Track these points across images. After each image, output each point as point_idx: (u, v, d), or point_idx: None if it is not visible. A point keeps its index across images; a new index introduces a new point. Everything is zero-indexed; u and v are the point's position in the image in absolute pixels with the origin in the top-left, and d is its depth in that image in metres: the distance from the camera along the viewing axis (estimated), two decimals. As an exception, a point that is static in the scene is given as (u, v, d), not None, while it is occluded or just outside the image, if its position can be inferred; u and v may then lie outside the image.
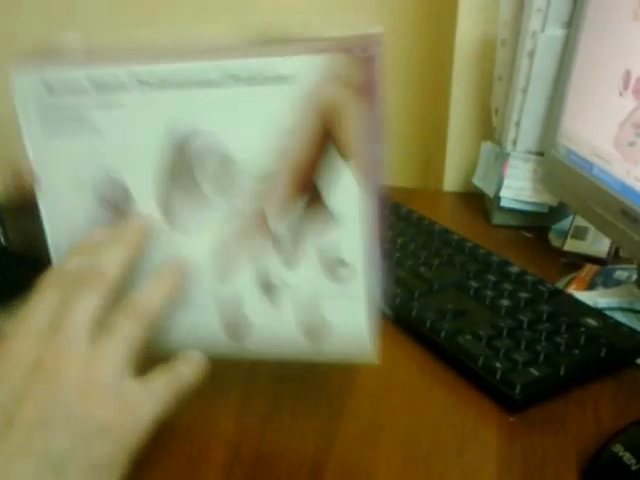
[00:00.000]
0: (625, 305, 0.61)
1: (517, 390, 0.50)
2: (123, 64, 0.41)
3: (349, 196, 0.41)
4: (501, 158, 0.81)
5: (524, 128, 0.79)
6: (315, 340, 0.44)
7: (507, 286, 0.62)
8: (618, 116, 0.61)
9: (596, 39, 0.66)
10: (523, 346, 0.54)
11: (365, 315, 0.43)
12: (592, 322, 0.57)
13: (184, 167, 0.43)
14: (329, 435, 0.49)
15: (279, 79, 0.39)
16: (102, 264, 0.40)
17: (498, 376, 0.51)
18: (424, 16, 1.05)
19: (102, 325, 0.38)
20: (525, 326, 0.56)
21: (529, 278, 0.64)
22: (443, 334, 0.56)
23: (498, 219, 0.83)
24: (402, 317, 0.61)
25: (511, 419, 0.50)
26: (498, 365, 0.51)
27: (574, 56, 0.69)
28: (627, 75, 0.60)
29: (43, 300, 0.39)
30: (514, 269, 0.65)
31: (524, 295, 0.61)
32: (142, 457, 0.46)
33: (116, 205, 0.44)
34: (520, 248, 0.77)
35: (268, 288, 0.43)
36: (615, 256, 0.73)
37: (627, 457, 0.43)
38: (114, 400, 0.37)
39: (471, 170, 0.87)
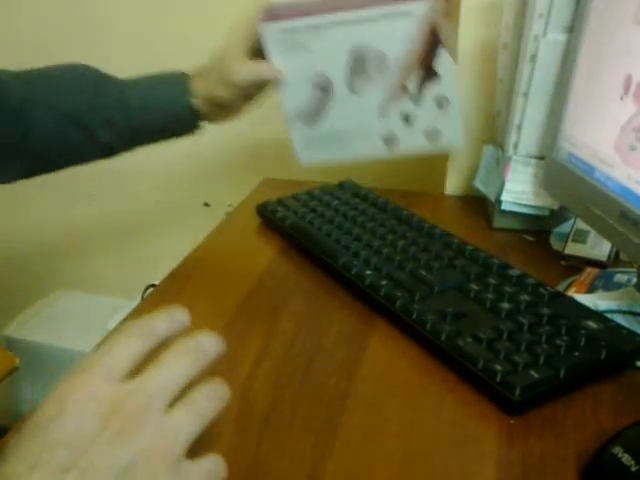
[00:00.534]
0: (625, 308, 0.61)
1: (517, 392, 0.50)
2: (325, 14, 0.78)
3: (446, 64, 0.77)
4: (502, 161, 0.82)
5: (525, 132, 0.79)
6: (432, 139, 0.81)
7: (508, 289, 0.62)
8: (619, 120, 0.61)
9: (597, 44, 0.66)
10: (523, 348, 0.54)
11: (459, 124, 0.80)
12: (592, 325, 0.57)
13: (358, 62, 0.80)
14: (329, 437, 0.49)
15: (407, 14, 0.76)
16: (205, 343, 0.41)
17: (498, 378, 0.51)
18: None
19: (181, 396, 0.38)
20: (525, 329, 0.57)
21: (530, 281, 0.64)
22: (443, 336, 0.57)
23: (499, 222, 0.84)
24: (403, 319, 0.61)
25: (511, 421, 0.50)
26: (498, 367, 0.52)
27: (575, 60, 0.69)
28: (628, 79, 0.60)
29: (128, 347, 0.39)
30: (515, 272, 0.66)
31: (524, 298, 0.61)
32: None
33: (323, 87, 0.81)
34: (521, 251, 0.78)
35: (406, 116, 0.81)
36: (615, 259, 0.73)
37: (626, 459, 0.43)
38: (174, 473, 0.36)
39: (472, 173, 0.87)
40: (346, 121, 0.84)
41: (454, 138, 0.82)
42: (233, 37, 0.81)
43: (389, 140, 0.83)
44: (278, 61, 0.80)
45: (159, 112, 0.81)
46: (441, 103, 0.80)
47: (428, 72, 0.80)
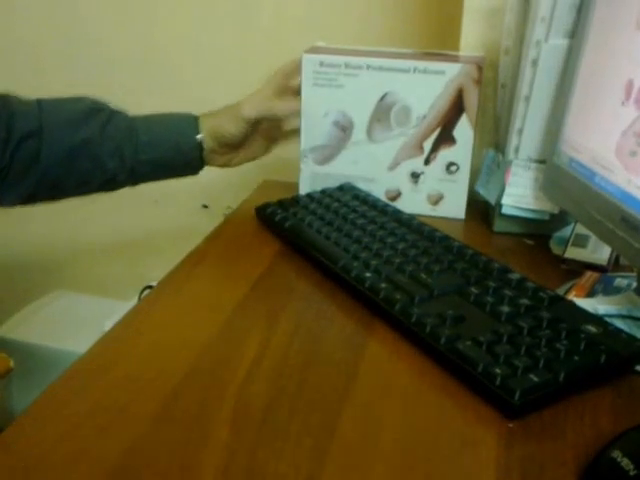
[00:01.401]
0: (624, 312, 0.61)
1: (516, 396, 0.50)
2: (360, 57, 0.84)
3: (464, 130, 0.84)
4: (503, 165, 0.82)
5: (526, 136, 0.79)
6: (434, 204, 0.88)
7: (507, 292, 0.62)
8: (620, 125, 0.61)
9: (599, 49, 0.66)
10: (523, 352, 0.54)
11: (464, 194, 0.87)
12: (592, 329, 0.57)
13: (383, 109, 0.85)
14: (326, 439, 0.48)
15: (440, 72, 0.82)
16: None
17: (498, 382, 0.51)
18: (429, 23, 1.06)
19: None
20: (525, 332, 0.56)
21: (529, 285, 0.64)
22: (443, 340, 0.56)
23: (499, 226, 0.84)
24: (402, 322, 0.61)
25: (510, 425, 0.50)
26: (498, 371, 0.51)
27: (577, 65, 0.69)
28: (630, 85, 0.60)
29: None
30: (515, 276, 0.65)
31: (524, 301, 0.61)
32: (136, 461, 0.46)
33: (343, 127, 0.87)
34: (521, 255, 0.78)
35: (414, 175, 0.87)
36: (615, 264, 0.73)
37: (625, 463, 0.43)
38: None
39: (473, 177, 0.87)
40: (356, 167, 0.89)
41: (457, 209, 0.88)
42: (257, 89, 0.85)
43: (392, 196, 0.89)
44: (310, 94, 0.86)
45: (166, 146, 0.84)
46: (451, 169, 0.86)
47: (446, 135, 0.85)
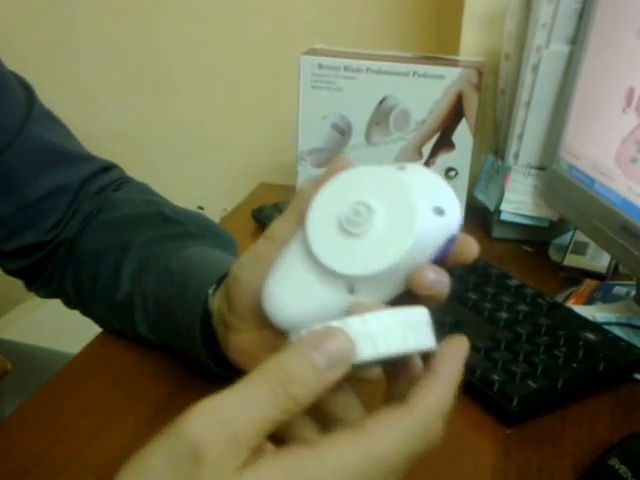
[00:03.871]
0: (624, 320, 0.61)
1: (514, 402, 0.49)
2: (359, 59, 0.83)
3: (463, 136, 0.83)
4: (502, 171, 0.81)
5: (526, 142, 0.79)
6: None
7: (506, 299, 0.62)
8: (620, 132, 0.61)
9: (600, 55, 0.66)
10: (521, 359, 0.53)
11: (463, 200, 0.82)
12: (591, 336, 0.56)
13: (382, 113, 0.84)
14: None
15: (439, 77, 0.81)
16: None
17: (495, 388, 0.51)
18: (429, 28, 1.06)
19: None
20: (524, 339, 0.56)
21: (528, 291, 0.63)
22: (441, 345, 0.56)
23: (498, 232, 0.83)
24: (400, 326, 0.60)
25: (507, 431, 0.50)
26: (496, 377, 0.51)
27: (578, 72, 0.69)
28: (630, 92, 0.60)
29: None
30: (513, 282, 0.65)
31: (523, 308, 0.60)
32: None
33: (342, 130, 0.86)
34: (520, 262, 0.77)
35: None
36: (614, 272, 0.73)
37: (623, 470, 0.43)
38: None
39: (472, 183, 0.87)
40: None
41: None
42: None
43: None
44: (308, 96, 0.85)
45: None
46: (450, 174, 0.85)
47: (445, 140, 0.84)
